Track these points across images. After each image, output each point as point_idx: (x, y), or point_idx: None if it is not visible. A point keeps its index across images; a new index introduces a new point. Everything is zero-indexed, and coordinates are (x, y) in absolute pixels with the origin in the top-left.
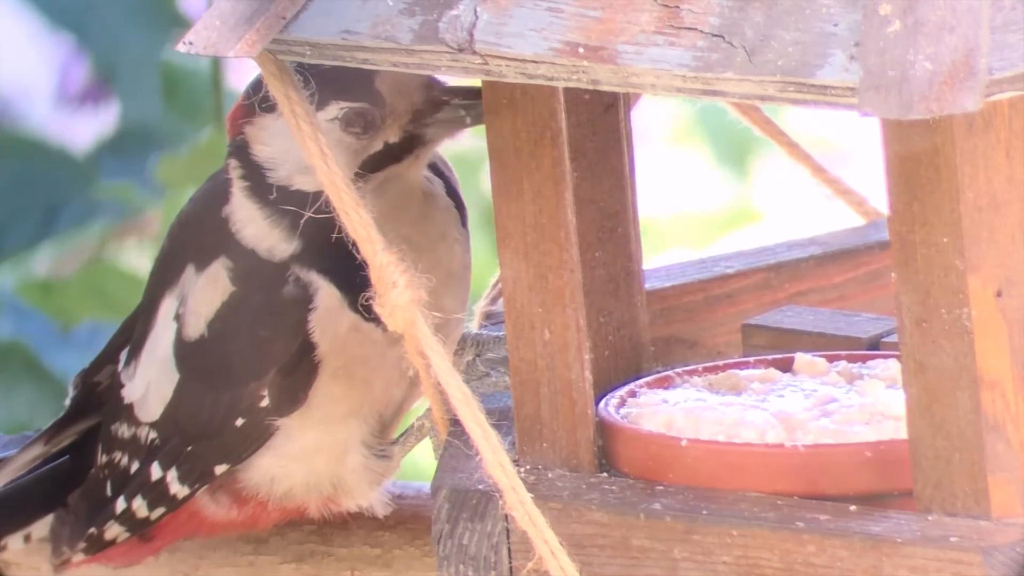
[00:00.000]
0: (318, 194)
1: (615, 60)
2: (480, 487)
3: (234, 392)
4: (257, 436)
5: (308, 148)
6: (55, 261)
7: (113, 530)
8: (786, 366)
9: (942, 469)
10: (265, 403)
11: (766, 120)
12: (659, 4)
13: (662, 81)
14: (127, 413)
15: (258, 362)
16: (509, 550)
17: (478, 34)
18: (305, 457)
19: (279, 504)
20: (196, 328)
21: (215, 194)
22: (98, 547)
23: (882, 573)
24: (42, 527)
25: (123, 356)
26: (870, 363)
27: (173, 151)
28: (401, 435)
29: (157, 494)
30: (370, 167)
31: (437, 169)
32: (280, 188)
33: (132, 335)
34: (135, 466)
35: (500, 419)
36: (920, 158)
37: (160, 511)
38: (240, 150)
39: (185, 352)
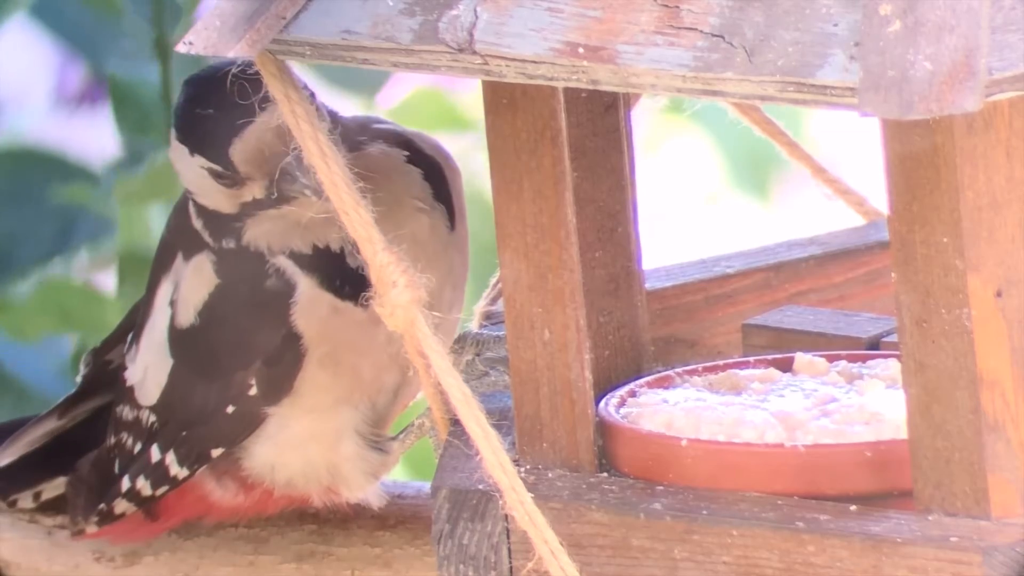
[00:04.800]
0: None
1: (615, 60)
2: (480, 487)
3: (223, 380)
4: (248, 423)
5: (308, 148)
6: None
7: (121, 506)
8: (786, 366)
9: (942, 469)
10: (253, 392)
11: (766, 121)
12: (659, 4)
13: (662, 81)
14: (128, 396)
15: (244, 352)
16: (509, 550)
17: (478, 34)
18: (300, 446)
19: (283, 492)
20: (187, 316)
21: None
22: (108, 520)
23: (882, 573)
24: (53, 488)
25: (129, 338)
26: (870, 363)
27: (130, 169)
28: (401, 432)
29: (159, 475)
30: (252, 208)
31: (419, 151)
32: (202, 207)
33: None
34: (138, 447)
35: (500, 419)
36: (920, 158)
37: (163, 489)
38: None
39: (177, 339)
